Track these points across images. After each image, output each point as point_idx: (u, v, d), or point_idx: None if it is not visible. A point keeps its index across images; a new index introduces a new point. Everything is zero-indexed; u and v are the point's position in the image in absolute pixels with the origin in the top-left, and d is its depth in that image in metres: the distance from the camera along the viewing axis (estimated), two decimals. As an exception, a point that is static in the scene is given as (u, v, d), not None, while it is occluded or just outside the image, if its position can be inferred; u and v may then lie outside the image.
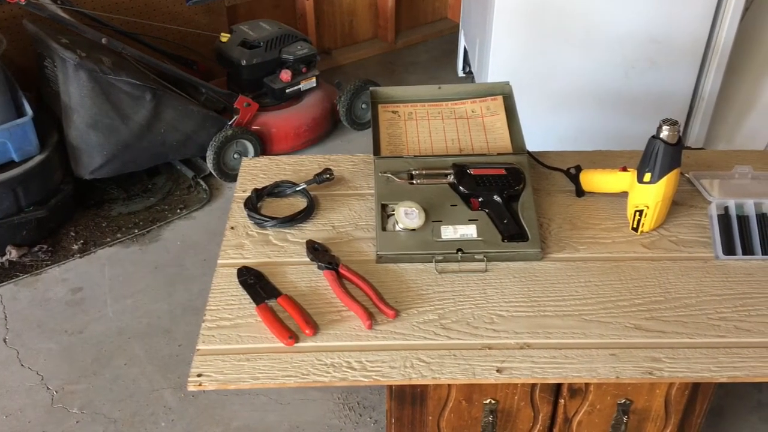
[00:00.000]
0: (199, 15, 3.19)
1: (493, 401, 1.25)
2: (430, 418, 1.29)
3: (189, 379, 1.08)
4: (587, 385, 1.23)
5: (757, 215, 1.35)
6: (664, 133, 1.27)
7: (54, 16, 2.49)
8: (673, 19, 2.58)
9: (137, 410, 1.95)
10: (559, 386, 1.25)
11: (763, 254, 1.31)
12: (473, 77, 3.26)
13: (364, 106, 3.16)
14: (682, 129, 2.94)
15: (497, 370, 1.11)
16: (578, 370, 1.11)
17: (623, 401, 1.26)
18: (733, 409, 1.95)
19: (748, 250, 1.32)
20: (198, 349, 1.14)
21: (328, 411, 1.95)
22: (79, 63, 2.41)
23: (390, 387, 1.25)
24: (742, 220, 1.35)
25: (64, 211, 2.60)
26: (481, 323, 1.18)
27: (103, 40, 2.49)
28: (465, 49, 3.58)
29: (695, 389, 1.25)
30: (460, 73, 3.73)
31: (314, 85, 3.06)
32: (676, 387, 1.24)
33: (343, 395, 1.99)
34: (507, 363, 1.12)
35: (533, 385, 1.24)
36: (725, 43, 2.70)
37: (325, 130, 3.17)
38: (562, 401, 1.26)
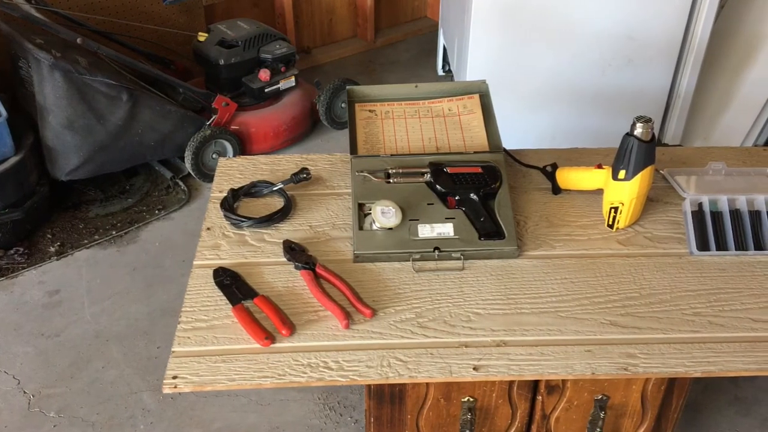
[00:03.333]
0: (176, 14, 3.16)
1: (471, 399, 1.25)
2: (409, 416, 1.29)
3: (164, 381, 1.07)
4: (564, 381, 1.24)
5: (730, 211, 1.37)
6: (638, 131, 1.27)
7: (28, 16, 2.46)
8: (649, 16, 2.60)
9: (115, 413, 1.94)
10: (536, 383, 1.25)
11: (736, 250, 1.33)
12: (453, 76, 3.27)
13: (343, 105, 3.16)
14: (659, 126, 2.97)
15: (474, 368, 1.11)
16: (554, 367, 1.11)
17: (600, 397, 1.26)
18: (711, 404, 1.97)
19: (721, 246, 1.33)
20: (173, 351, 1.13)
21: (309, 411, 1.95)
22: (54, 63, 2.38)
23: (368, 386, 1.24)
24: (716, 216, 1.37)
25: (40, 213, 2.57)
26: (458, 321, 1.18)
27: (78, 40, 2.46)
28: (444, 47, 3.59)
29: (671, 384, 1.26)
30: (440, 72, 3.74)
31: (293, 84, 3.06)
32: (652, 382, 1.25)
33: (323, 395, 1.99)
34: (484, 361, 1.12)
35: (511, 383, 1.24)
36: (701, 41, 2.73)
37: (304, 129, 3.16)
38: (539, 398, 1.27)
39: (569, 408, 1.28)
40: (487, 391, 1.25)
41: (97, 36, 2.78)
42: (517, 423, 1.31)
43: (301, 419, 1.93)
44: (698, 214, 1.37)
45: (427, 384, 1.23)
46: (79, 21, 2.77)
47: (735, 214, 1.37)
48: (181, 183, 2.82)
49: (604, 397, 1.26)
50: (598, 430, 1.30)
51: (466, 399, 1.25)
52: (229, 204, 1.42)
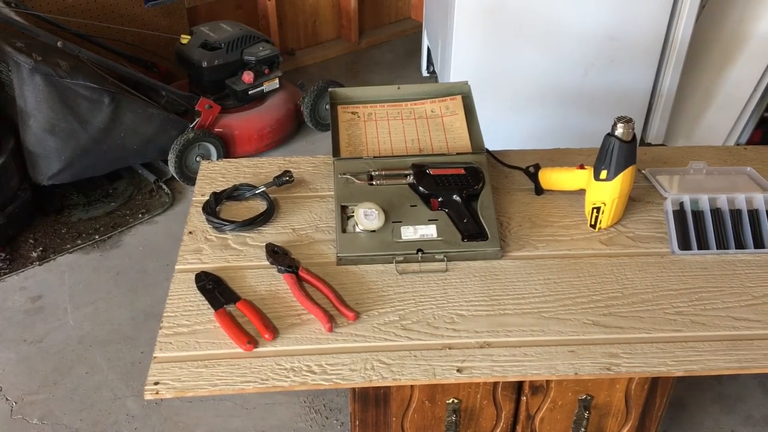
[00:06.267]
0: (158, 17, 3.15)
1: (455, 400, 1.25)
2: (394, 419, 1.29)
3: (145, 387, 1.06)
4: (548, 382, 1.24)
5: (711, 210, 1.37)
6: (619, 131, 1.28)
7: (7, 19, 2.44)
8: (631, 17, 2.62)
9: (99, 419, 1.92)
10: (520, 384, 1.25)
11: (717, 248, 1.33)
12: (437, 77, 3.28)
13: (328, 107, 3.13)
14: (642, 125, 2.98)
15: (457, 370, 1.11)
16: (537, 368, 1.11)
17: (584, 397, 1.27)
18: (695, 402, 1.98)
19: (703, 245, 1.34)
20: (155, 357, 1.12)
21: (294, 414, 1.94)
22: (35, 67, 2.36)
23: (353, 389, 1.24)
24: (697, 215, 1.37)
25: (22, 218, 2.55)
26: (441, 323, 1.18)
27: (59, 43, 2.44)
28: (428, 48, 3.59)
29: (654, 383, 1.26)
30: (424, 73, 3.74)
31: (277, 86, 3.05)
32: (635, 381, 1.25)
33: (309, 398, 1.98)
34: (467, 362, 1.12)
35: (495, 384, 1.24)
36: (682, 40, 2.75)
37: (289, 131, 3.15)
38: (524, 398, 1.27)
39: (554, 408, 1.29)
40: (472, 393, 1.25)
41: (78, 39, 2.75)
42: (502, 424, 1.31)
43: (287, 423, 1.92)
44: (679, 214, 1.38)
45: (412, 386, 1.23)
46: (59, 24, 2.74)
47: (716, 213, 1.37)
48: (164, 186, 2.80)
49: (588, 397, 1.27)
50: (583, 429, 1.30)
51: (450, 401, 1.25)
52: (211, 207, 1.41)
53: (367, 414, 1.29)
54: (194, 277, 1.26)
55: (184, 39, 2.91)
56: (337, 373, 1.10)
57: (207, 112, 2.80)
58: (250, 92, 2.95)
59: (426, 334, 1.16)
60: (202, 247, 1.34)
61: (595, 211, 1.36)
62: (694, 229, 1.35)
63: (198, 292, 1.23)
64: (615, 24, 2.61)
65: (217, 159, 2.80)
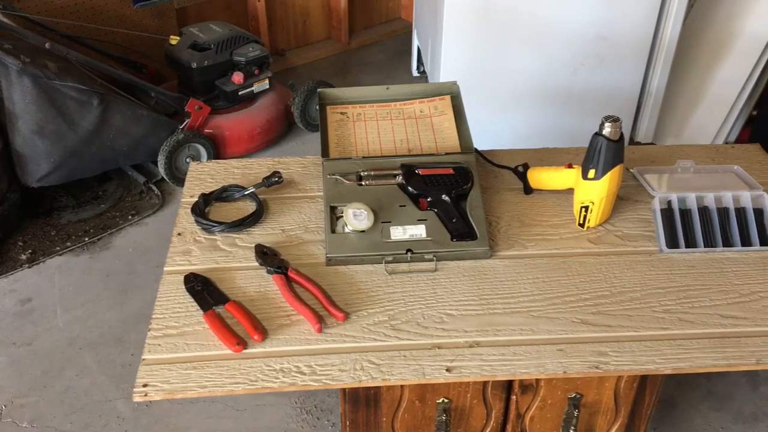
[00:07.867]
0: (147, 18, 3.14)
1: (446, 400, 1.26)
2: (385, 419, 1.29)
3: (134, 389, 1.06)
4: (538, 380, 1.24)
5: (699, 208, 1.38)
6: (606, 130, 1.28)
7: (-5, 20, 2.43)
8: (619, 16, 2.63)
9: (89, 422, 1.91)
10: (510, 383, 1.26)
11: (705, 247, 1.34)
12: (427, 77, 3.28)
13: (317, 107, 3.15)
14: (631, 124, 2.99)
15: (447, 370, 1.11)
16: (526, 367, 1.11)
17: (574, 395, 1.27)
18: (685, 399, 1.99)
19: (690, 243, 1.34)
20: (144, 359, 1.11)
21: (286, 415, 1.94)
22: (23, 68, 2.35)
23: (343, 390, 1.24)
24: (685, 213, 1.38)
25: (10, 221, 2.54)
26: (431, 323, 1.18)
27: (47, 45, 2.43)
28: (418, 48, 3.60)
29: (643, 381, 1.27)
30: (415, 73, 3.74)
31: (267, 87, 3.04)
32: (624, 380, 1.26)
33: (300, 399, 1.98)
34: (456, 362, 1.12)
35: (485, 383, 1.24)
36: (671, 40, 2.76)
37: (279, 132, 3.15)
38: (514, 398, 1.27)
39: (543, 407, 1.29)
40: (462, 392, 1.25)
41: (66, 40, 2.74)
42: (492, 423, 1.31)
43: (278, 424, 1.92)
44: (667, 212, 1.38)
45: (402, 386, 1.23)
46: (48, 25, 2.73)
47: (703, 211, 1.38)
48: (154, 188, 2.80)
49: (578, 396, 1.27)
50: (573, 428, 1.31)
51: (440, 400, 1.25)
52: (200, 209, 1.41)
53: (358, 414, 1.29)
54: (183, 278, 1.26)
55: (174, 40, 2.90)
56: (326, 373, 1.10)
57: (197, 113, 2.80)
58: (240, 93, 2.95)
59: (415, 333, 1.16)
60: (191, 249, 1.34)
61: (583, 210, 1.36)
62: (682, 228, 1.36)
63: (187, 293, 1.23)
64: (604, 24, 2.62)
65: (207, 160, 2.79)
